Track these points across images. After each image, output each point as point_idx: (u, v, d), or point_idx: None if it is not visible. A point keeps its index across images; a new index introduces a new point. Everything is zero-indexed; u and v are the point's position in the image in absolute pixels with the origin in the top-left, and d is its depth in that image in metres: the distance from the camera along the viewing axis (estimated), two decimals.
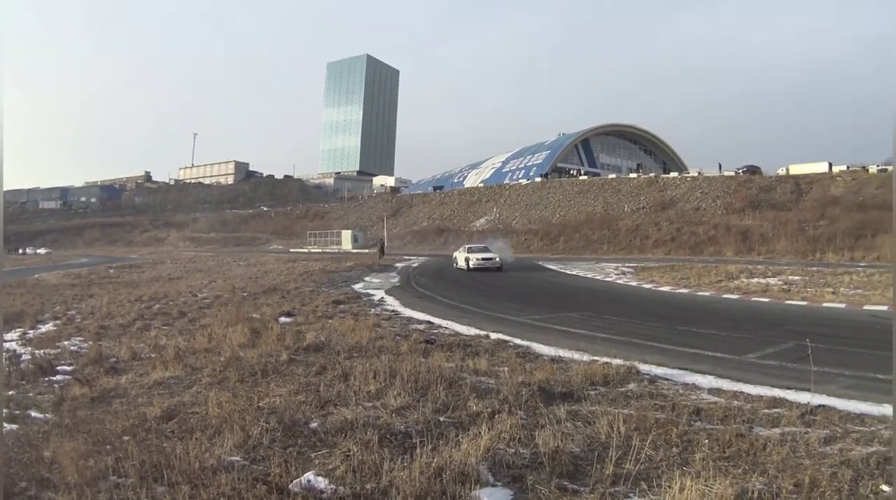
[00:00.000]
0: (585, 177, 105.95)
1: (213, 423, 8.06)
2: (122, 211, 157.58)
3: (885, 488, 5.83)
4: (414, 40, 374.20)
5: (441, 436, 7.28)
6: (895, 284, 15.86)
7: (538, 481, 6.09)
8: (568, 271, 42.52)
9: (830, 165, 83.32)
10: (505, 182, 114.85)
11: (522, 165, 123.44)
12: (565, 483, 6.07)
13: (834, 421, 8.11)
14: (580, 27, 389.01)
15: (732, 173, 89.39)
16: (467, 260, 44.74)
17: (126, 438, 7.58)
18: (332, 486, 5.89)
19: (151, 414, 8.61)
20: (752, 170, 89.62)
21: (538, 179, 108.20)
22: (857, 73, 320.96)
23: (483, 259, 44.50)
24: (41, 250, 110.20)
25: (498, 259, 45.09)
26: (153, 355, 13.49)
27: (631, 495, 5.80)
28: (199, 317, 19.95)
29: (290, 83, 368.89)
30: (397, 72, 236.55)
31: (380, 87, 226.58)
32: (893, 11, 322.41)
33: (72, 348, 15.30)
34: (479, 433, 7.24)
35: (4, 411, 8.96)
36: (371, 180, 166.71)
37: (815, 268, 39.98)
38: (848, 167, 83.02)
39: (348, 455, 6.58)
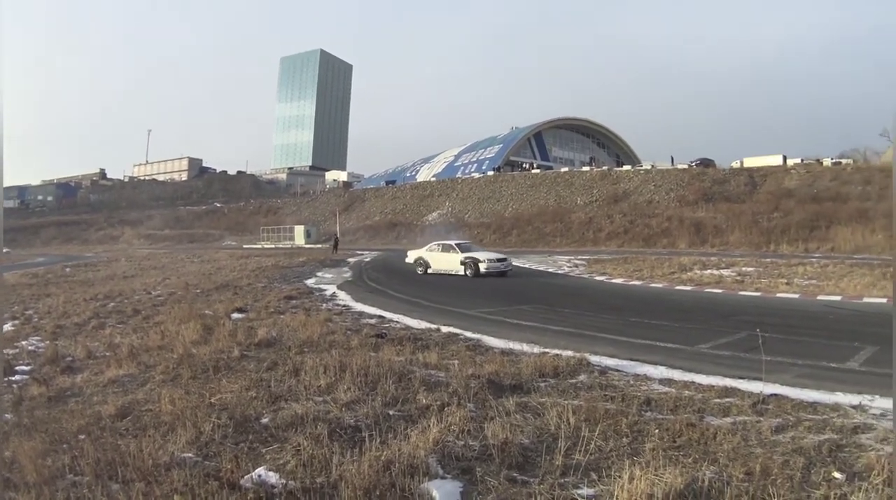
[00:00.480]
0: (538, 170, 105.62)
1: (166, 420, 8.03)
2: (77, 209, 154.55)
3: (837, 475, 5.91)
4: (368, 35, 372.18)
5: (390, 429, 7.30)
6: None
7: (487, 472, 6.09)
8: (521, 264, 42.32)
9: (785, 159, 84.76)
10: (457, 176, 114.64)
11: (475, 159, 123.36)
12: (514, 475, 6.07)
13: (786, 410, 8.22)
14: (535, 21, 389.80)
15: (686, 166, 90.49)
16: (471, 264, 34.06)
17: (82, 437, 7.55)
18: (283, 480, 5.87)
19: (106, 412, 8.54)
20: (706, 163, 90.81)
21: (491, 173, 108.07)
22: (813, 71, 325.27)
23: (498, 261, 34.46)
24: None
25: (510, 260, 36.24)
26: (108, 354, 13.37)
27: (580, 485, 5.79)
28: (152, 315, 19.78)
29: (244, 79, 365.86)
30: (350, 66, 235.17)
31: (333, 82, 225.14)
32: (845, 12, 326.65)
33: (29, 347, 15.10)
34: (429, 425, 7.24)
35: None
36: (324, 175, 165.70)
37: (768, 259, 40.73)
38: (802, 160, 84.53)
39: (299, 450, 6.57)
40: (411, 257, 38.55)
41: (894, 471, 5.77)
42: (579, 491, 5.64)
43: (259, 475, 5.99)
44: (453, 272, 34.66)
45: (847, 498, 5.38)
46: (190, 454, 6.80)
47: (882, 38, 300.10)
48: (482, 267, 33.78)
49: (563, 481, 5.88)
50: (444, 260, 35.87)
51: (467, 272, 34.00)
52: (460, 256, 35.14)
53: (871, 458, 6.24)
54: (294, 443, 6.83)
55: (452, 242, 37.93)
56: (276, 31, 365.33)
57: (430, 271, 36.16)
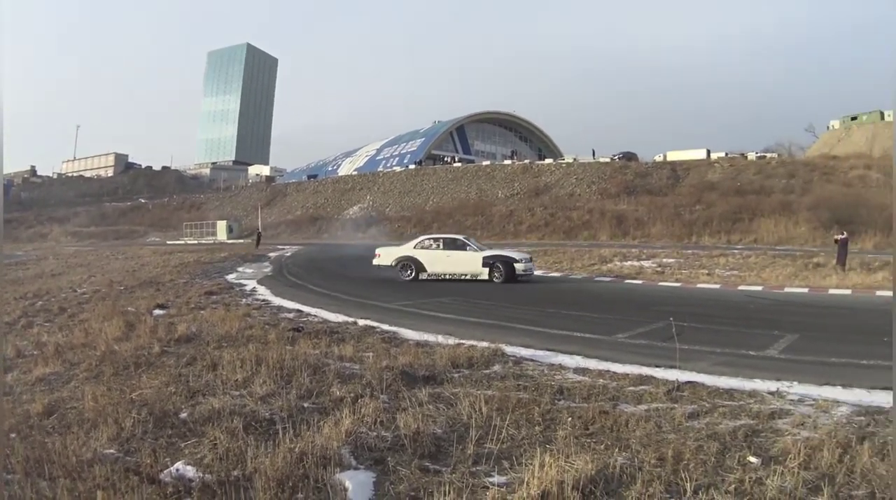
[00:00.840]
0: (459, 164, 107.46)
1: (90, 417, 7.93)
2: (8, 207, 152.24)
3: (752, 459, 5.96)
4: (294, 29, 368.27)
5: (304, 422, 7.19)
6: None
7: (400, 462, 6.07)
8: None
9: (709, 152, 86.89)
10: (379, 170, 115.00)
11: (397, 153, 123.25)
12: (427, 464, 6.03)
13: (702, 397, 8.31)
14: (460, 15, 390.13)
15: (608, 160, 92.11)
16: (502, 265, 27.34)
17: (13, 435, 7.47)
18: (200, 474, 5.86)
19: (34, 411, 8.43)
20: (629, 156, 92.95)
21: (412, 167, 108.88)
22: (740, 68, 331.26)
23: (529, 262, 28.57)
24: None
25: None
26: (35, 352, 13.12)
27: (492, 473, 5.75)
28: (78, 312, 19.34)
29: (172, 73, 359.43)
30: (276, 60, 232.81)
31: (258, 76, 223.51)
32: (764, 12, 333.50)
33: None
34: (342, 417, 7.19)
35: None
36: (247, 170, 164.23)
37: (690, 251, 41.60)
38: (726, 154, 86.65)
39: (216, 444, 6.57)
40: (386, 257, 29.61)
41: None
42: (490, 479, 5.61)
43: (177, 470, 5.99)
44: (469, 277, 27.61)
45: (763, 482, 5.40)
46: (112, 450, 6.72)
47: (807, 37, 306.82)
48: (519, 268, 27.36)
49: (474, 469, 5.87)
50: (453, 261, 28.13)
51: (494, 276, 27.08)
52: (480, 254, 28.05)
53: (787, 442, 6.30)
54: (211, 437, 6.80)
55: (460, 237, 30.50)
56: (206, 26, 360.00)
57: (425, 276, 28.30)
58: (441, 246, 28.86)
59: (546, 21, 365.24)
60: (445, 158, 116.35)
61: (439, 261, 28.32)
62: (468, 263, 27.90)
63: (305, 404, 8.09)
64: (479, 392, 8.18)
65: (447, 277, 27.95)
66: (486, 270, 27.33)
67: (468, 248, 28.52)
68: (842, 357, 11.65)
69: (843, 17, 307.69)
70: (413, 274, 28.46)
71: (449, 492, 5.14)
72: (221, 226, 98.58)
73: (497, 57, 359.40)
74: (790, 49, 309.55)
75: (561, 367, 10.38)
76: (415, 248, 29.22)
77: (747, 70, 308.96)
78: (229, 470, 5.91)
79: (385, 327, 14.94)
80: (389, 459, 6.21)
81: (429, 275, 28.38)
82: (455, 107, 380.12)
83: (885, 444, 6.39)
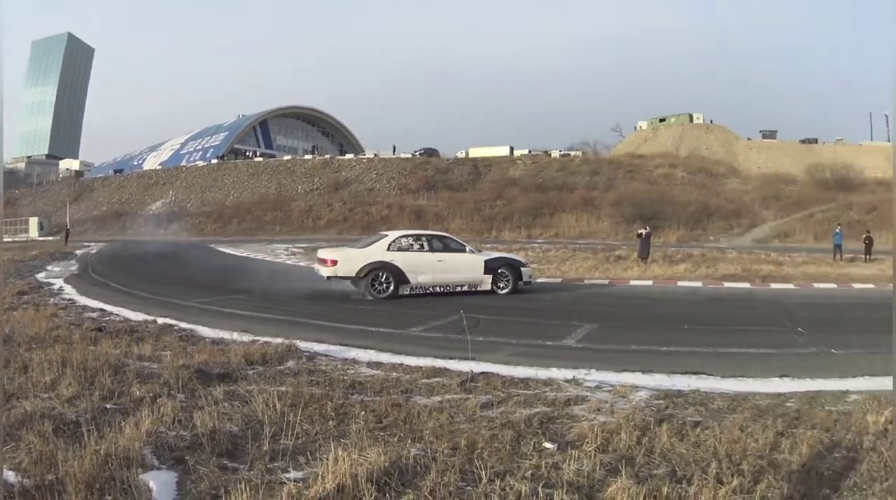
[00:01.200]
0: (261, 159, 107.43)
1: None
2: None
3: (548, 445, 6.07)
4: (113, 17, 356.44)
5: (107, 423, 6.95)
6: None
7: (199, 461, 5.94)
8: (240, 253, 42.82)
9: (512, 149, 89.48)
10: (182, 164, 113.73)
11: (201, 147, 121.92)
12: (225, 462, 5.96)
13: (496, 387, 8.47)
14: (277, 10, 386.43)
15: (409, 155, 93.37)
16: (508, 271, 21.68)
17: None
18: (20, 479, 5.60)
19: None
20: (430, 152, 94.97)
21: (215, 161, 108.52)
22: (547, 68, 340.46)
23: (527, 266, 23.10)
24: None
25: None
26: None
27: (289, 469, 5.71)
28: None
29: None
30: (92, 50, 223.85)
31: (75, 66, 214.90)
32: (582, 18, 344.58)
33: None
34: (142, 417, 6.98)
35: None
36: (58, 164, 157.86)
37: (489, 245, 42.45)
38: (530, 151, 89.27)
39: (30, 448, 6.23)
40: (346, 264, 20.16)
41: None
42: (287, 475, 5.55)
43: None
44: (466, 287, 21.13)
45: (559, 466, 5.51)
46: None
47: (617, 41, 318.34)
48: (525, 274, 22.14)
49: (271, 465, 5.81)
50: (445, 267, 20.99)
51: (498, 286, 21.34)
52: (480, 257, 21.99)
53: (583, 427, 6.49)
54: (27, 441, 6.43)
55: (448, 234, 25.41)
56: (34, 14, 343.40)
57: (406, 289, 20.25)
58: (427, 246, 21.16)
59: (354, 23, 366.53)
60: (247, 153, 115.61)
61: (427, 267, 20.67)
62: (466, 269, 21.33)
63: (108, 406, 7.80)
64: (273, 389, 8.10)
65: (439, 289, 20.78)
66: (489, 277, 21.26)
67: (458, 250, 21.74)
68: (641, 345, 12.21)
69: (654, 24, 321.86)
70: (391, 289, 20.00)
71: (247, 489, 5.07)
72: (33, 222, 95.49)
73: (311, 55, 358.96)
74: (600, 54, 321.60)
75: (355, 361, 10.45)
76: (389, 249, 20.59)
77: (557, 74, 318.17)
78: (44, 475, 5.64)
79: (183, 325, 14.62)
80: (189, 458, 6.07)
81: (412, 288, 20.42)
82: (268, 101, 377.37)
83: (683, 424, 6.76)
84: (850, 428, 6.82)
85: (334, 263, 19.90)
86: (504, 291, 21.03)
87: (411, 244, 20.78)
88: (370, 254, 20.20)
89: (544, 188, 73.58)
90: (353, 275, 19.77)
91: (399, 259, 20.05)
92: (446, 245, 21.57)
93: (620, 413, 7.15)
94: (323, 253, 21.13)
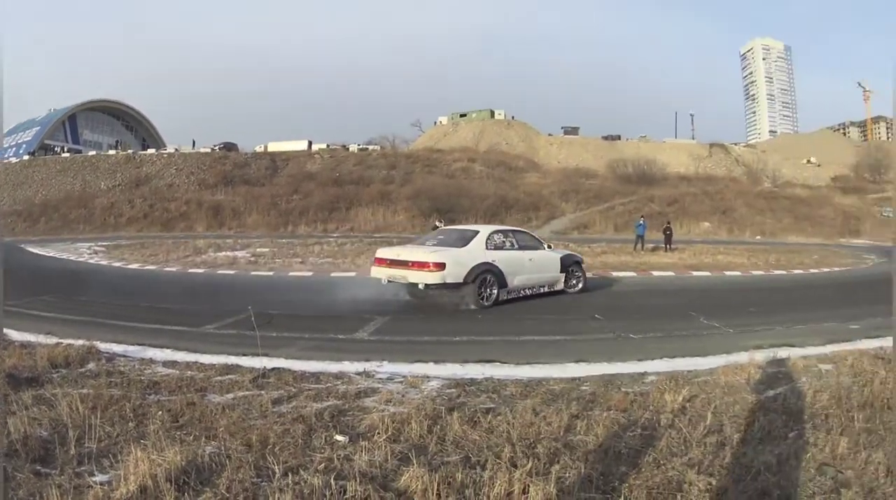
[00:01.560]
0: (68, 154, 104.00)
1: None
2: None
3: (339, 437, 6.33)
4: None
5: None
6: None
7: (16, 468, 5.82)
8: (45, 253, 40.91)
9: (310, 144, 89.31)
10: None
11: (14, 143, 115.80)
12: (39, 468, 5.86)
13: (288, 382, 8.66)
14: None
15: (209, 150, 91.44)
16: (577, 269, 20.25)
17: None
18: None
19: None
20: (229, 147, 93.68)
21: (26, 158, 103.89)
22: (348, 64, 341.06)
23: None
24: None
25: None
26: None
27: (95, 472, 5.74)
28: None
29: None
30: None
31: None
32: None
33: None
34: None
35: None
36: None
37: (285, 240, 42.79)
38: (328, 146, 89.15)
39: None
40: (454, 267, 16.25)
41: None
42: (94, 478, 5.56)
43: None
44: (545, 289, 18.98)
45: (351, 458, 5.74)
46: None
47: (422, 39, 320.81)
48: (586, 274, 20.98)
49: (79, 469, 5.77)
50: (534, 267, 18.55)
51: (570, 284, 19.68)
52: (557, 254, 19.90)
53: (374, 419, 6.74)
54: None
55: (528, 231, 22.36)
56: None
57: (504, 294, 17.39)
58: (516, 244, 18.30)
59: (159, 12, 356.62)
60: (55, 149, 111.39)
61: (521, 268, 18.02)
62: (548, 267, 19.13)
63: None
64: (75, 392, 7.97)
65: (528, 292, 18.35)
66: (563, 276, 19.48)
67: (543, 245, 19.57)
68: (433, 335, 12.65)
69: (457, 24, 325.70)
70: (494, 294, 16.92)
71: (57, 494, 5.17)
72: None
73: (120, 43, 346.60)
74: (406, 52, 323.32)
75: (151, 361, 10.40)
76: (487, 249, 17.24)
77: (362, 71, 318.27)
78: None
79: None
80: (7, 465, 6.06)
81: (508, 292, 17.57)
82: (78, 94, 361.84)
83: (475, 412, 7.07)
84: (648, 408, 7.28)
85: (441, 266, 15.96)
86: (574, 290, 19.50)
87: (503, 242, 17.89)
88: (474, 255, 16.77)
89: (341, 182, 73.63)
90: (461, 281, 16.28)
91: (499, 259, 17.15)
92: (530, 242, 19.10)
93: (411, 403, 7.41)
94: (411, 255, 16.81)
